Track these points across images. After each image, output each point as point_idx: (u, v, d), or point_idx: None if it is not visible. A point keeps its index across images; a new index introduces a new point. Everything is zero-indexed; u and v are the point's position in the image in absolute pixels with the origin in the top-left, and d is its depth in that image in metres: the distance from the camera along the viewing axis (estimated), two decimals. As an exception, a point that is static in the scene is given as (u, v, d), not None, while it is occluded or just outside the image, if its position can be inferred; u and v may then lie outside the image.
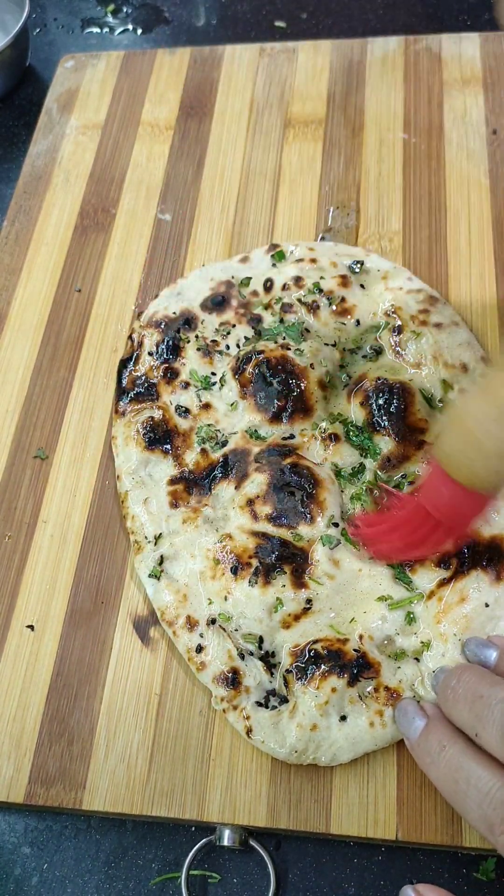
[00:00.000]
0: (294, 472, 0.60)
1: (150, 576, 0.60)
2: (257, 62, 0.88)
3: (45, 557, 0.64)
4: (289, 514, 0.59)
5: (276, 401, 0.65)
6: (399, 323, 0.67)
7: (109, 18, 1.05)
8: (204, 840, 0.54)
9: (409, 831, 0.51)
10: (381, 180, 0.78)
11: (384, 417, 0.63)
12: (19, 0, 0.95)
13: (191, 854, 0.53)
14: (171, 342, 0.70)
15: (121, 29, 1.04)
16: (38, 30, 1.05)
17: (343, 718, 0.53)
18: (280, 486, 0.60)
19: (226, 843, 0.53)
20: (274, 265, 0.73)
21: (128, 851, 0.55)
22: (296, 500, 0.60)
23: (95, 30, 1.04)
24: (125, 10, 1.06)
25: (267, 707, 0.55)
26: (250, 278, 0.72)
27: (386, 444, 0.62)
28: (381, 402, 0.63)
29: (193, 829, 0.55)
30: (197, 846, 0.54)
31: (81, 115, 0.88)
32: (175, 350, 0.69)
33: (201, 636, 0.57)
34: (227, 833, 0.53)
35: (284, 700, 0.55)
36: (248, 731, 0.54)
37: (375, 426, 0.63)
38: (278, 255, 0.73)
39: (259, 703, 0.55)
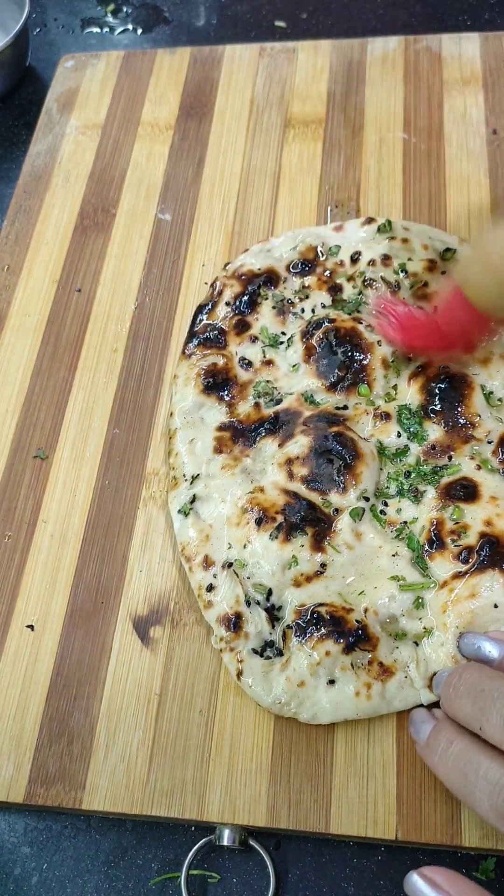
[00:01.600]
0: (337, 441, 0.61)
1: (179, 511, 0.62)
2: (257, 62, 0.88)
3: (45, 557, 0.64)
4: (323, 480, 0.60)
5: (337, 370, 0.65)
6: None
7: (109, 18, 1.05)
8: (204, 840, 0.54)
9: (409, 831, 0.51)
10: (381, 180, 0.78)
11: (438, 405, 0.63)
12: (19, 0, 0.95)
13: (190, 854, 0.53)
14: (249, 296, 0.71)
15: (121, 29, 1.04)
16: (38, 30, 1.05)
17: (331, 682, 0.54)
18: (321, 452, 0.61)
19: (225, 842, 0.53)
20: (375, 237, 0.72)
21: (127, 851, 0.55)
22: (333, 468, 0.61)
23: (95, 30, 1.04)
24: (125, 9, 1.06)
25: (262, 656, 0.56)
26: (339, 247, 0.73)
27: (434, 431, 0.62)
28: (439, 389, 0.63)
29: (193, 828, 0.55)
30: (197, 846, 0.54)
31: (81, 114, 0.88)
32: (252, 304, 0.71)
33: (214, 576, 0.59)
34: (226, 833, 0.53)
35: (279, 653, 0.56)
36: (239, 673, 0.55)
37: (428, 412, 0.63)
38: (386, 226, 0.72)
39: (255, 651, 0.56)
